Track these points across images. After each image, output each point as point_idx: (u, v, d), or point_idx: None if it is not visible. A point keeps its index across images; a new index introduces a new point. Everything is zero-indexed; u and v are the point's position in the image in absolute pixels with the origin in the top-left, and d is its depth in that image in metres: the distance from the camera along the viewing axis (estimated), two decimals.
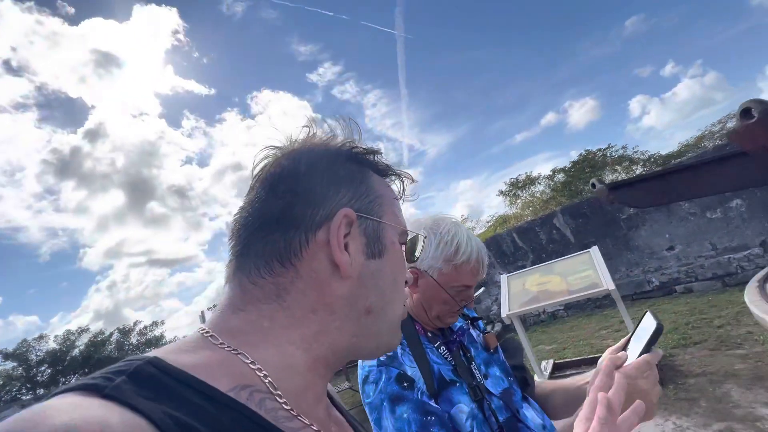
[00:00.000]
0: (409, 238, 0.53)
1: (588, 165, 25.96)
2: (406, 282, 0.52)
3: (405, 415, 0.77)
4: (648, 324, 0.72)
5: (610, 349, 0.83)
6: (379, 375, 0.83)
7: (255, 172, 0.48)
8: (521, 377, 1.04)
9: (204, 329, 0.40)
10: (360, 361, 0.88)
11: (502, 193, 31.21)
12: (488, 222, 28.63)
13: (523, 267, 7.86)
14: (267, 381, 0.38)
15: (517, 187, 29.97)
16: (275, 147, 0.48)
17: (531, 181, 29.84)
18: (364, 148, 0.50)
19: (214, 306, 0.46)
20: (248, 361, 0.38)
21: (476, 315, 1.16)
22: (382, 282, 0.46)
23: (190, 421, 0.30)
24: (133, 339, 25.10)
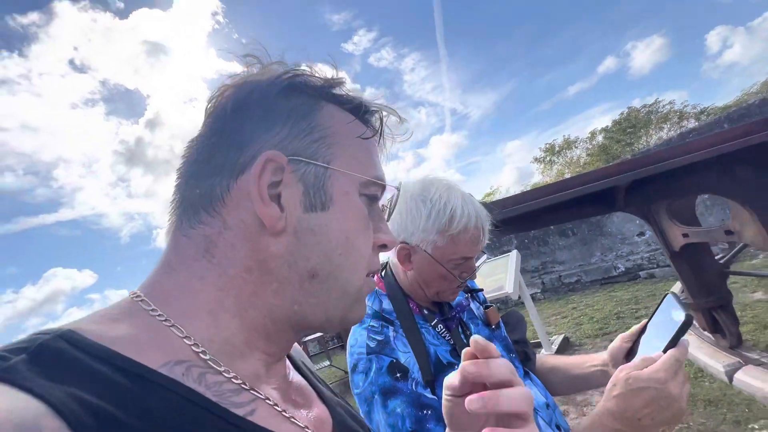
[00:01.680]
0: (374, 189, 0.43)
1: (629, 125, 24.34)
2: (385, 246, 0.44)
3: (398, 410, 0.72)
4: (672, 313, 0.62)
5: (621, 336, 0.78)
6: (369, 365, 0.77)
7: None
8: (522, 351, 1.00)
9: (135, 293, 0.35)
10: (348, 346, 0.83)
11: (536, 159, 30.22)
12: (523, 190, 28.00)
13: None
14: (207, 357, 0.33)
15: (552, 152, 28.88)
16: (225, 84, 0.40)
17: (568, 145, 28.58)
18: (314, 76, 0.41)
19: None
20: (182, 336, 0.33)
21: (477, 286, 1.07)
22: (327, 240, 0.38)
23: (103, 403, 0.25)
24: None
